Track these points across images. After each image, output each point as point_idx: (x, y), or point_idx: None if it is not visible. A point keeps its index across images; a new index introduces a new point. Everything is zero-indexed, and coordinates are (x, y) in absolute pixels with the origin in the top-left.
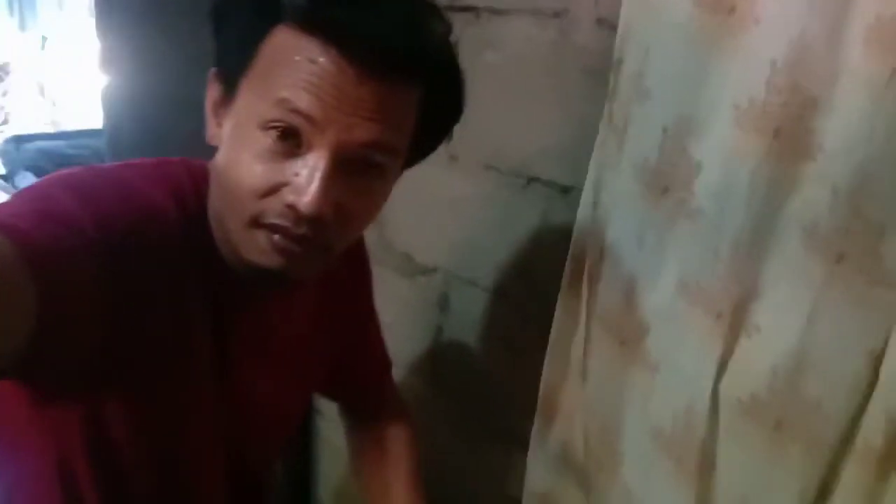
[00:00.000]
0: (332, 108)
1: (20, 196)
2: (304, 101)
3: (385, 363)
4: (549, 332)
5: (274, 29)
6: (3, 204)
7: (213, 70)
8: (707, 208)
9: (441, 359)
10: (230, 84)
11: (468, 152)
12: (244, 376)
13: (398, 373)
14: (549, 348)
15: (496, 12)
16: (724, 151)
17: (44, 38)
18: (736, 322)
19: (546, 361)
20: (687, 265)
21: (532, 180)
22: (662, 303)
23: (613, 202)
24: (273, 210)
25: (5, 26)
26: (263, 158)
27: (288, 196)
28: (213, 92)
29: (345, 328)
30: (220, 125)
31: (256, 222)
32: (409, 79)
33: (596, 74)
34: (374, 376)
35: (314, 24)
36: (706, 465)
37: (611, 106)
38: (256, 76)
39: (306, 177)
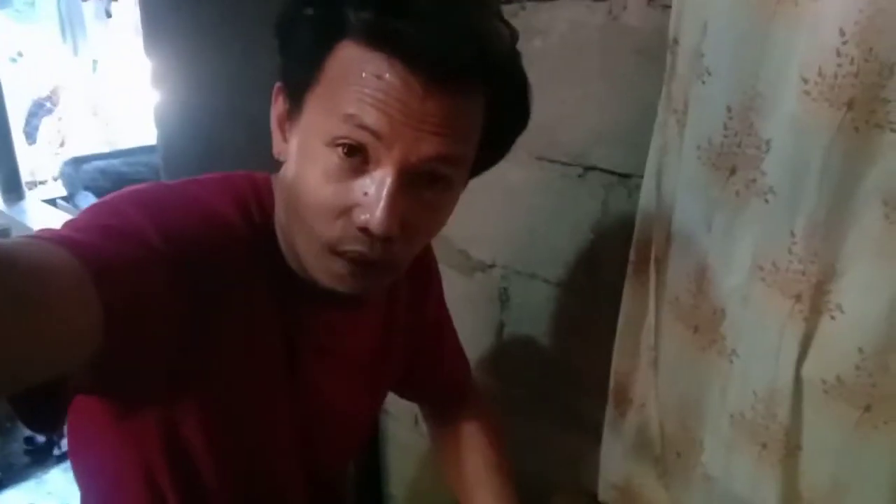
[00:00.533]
0: (399, 123)
1: (88, 212)
2: (370, 117)
3: (463, 364)
4: (615, 322)
5: (339, 44)
6: (70, 220)
7: (278, 85)
8: (779, 187)
9: (506, 354)
10: (296, 99)
11: (522, 144)
12: (315, 381)
13: None
14: (617, 337)
15: (543, 0)
16: (794, 127)
17: (95, 62)
18: (816, 303)
19: (615, 350)
20: (761, 247)
21: (589, 169)
22: (737, 287)
23: (677, 186)
24: (347, 236)
25: (59, 52)
26: (332, 177)
27: (359, 217)
28: (278, 107)
29: (418, 333)
30: (286, 140)
31: (332, 250)
32: (474, 89)
33: (649, 55)
34: (454, 378)
35: (379, 38)
36: (791, 450)
37: (669, 87)
38: (322, 92)
39: (375, 195)
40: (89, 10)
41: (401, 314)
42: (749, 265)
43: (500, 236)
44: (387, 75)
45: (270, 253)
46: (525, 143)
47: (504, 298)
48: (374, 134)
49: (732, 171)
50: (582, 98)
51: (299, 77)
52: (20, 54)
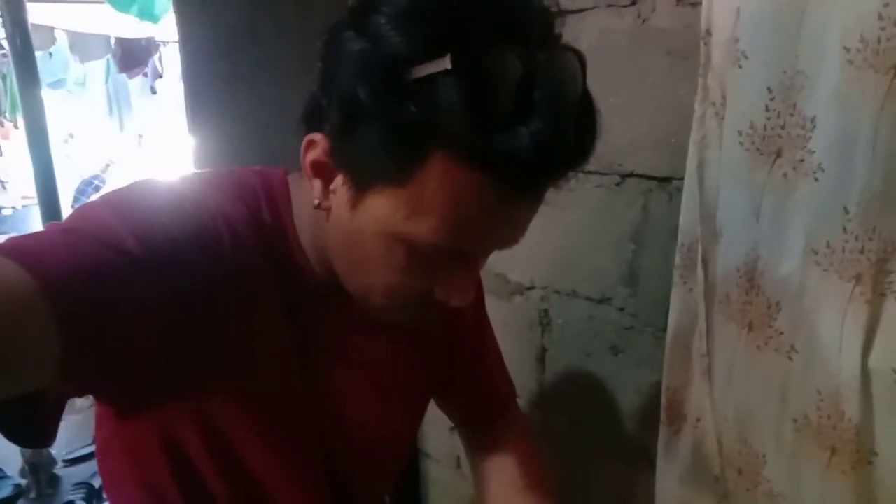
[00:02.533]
0: (491, 234)
1: (70, 217)
2: (465, 243)
3: (505, 377)
4: (664, 334)
5: (432, 156)
6: (49, 226)
7: (314, 138)
8: (828, 163)
9: (548, 380)
10: (359, 182)
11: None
12: (333, 388)
13: None
14: (667, 350)
15: (570, 12)
16: (839, 100)
17: (140, 136)
18: (879, 284)
19: (665, 364)
20: (814, 229)
21: (627, 176)
22: (790, 275)
23: (721, 178)
24: (417, 303)
25: (106, 127)
26: (401, 270)
27: (439, 295)
28: (313, 153)
29: (456, 340)
30: (329, 191)
31: (393, 305)
32: None
33: (681, 54)
34: (496, 391)
35: (488, 160)
36: (865, 453)
37: (704, 80)
38: (405, 196)
39: (461, 284)
40: (135, 87)
41: (439, 324)
42: (802, 250)
43: (537, 256)
44: (492, 198)
45: (282, 253)
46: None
47: (545, 321)
48: (465, 252)
49: (778, 154)
50: (615, 105)
51: (367, 168)
52: (71, 136)
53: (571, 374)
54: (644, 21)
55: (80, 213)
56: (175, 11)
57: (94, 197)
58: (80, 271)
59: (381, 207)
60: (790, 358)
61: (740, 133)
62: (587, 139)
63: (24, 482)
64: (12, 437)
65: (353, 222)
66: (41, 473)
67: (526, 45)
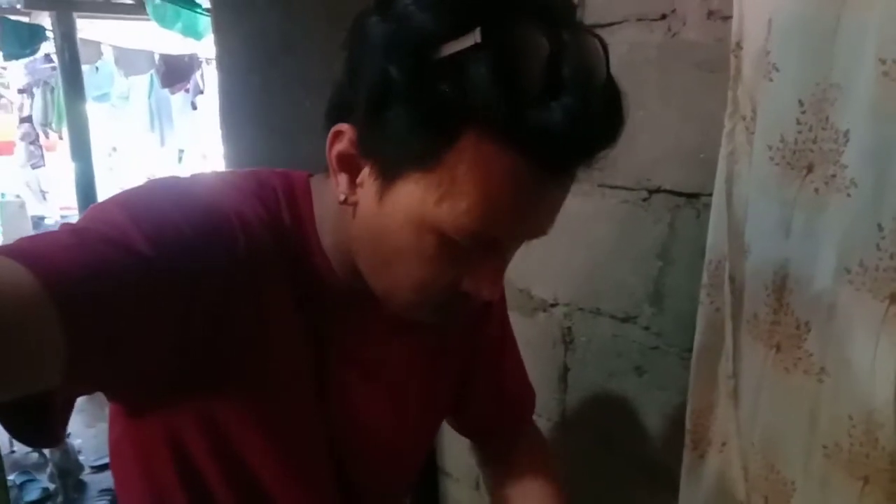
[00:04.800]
0: (522, 219)
1: (83, 217)
2: (499, 229)
3: (526, 394)
4: (689, 355)
5: (463, 136)
6: (61, 226)
7: (340, 128)
8: (861, 178)
9: (571, 398)
10: (387, 171)
11: (581, 172)
12: (348, 395)
13: None
14: (692, 371)
15: (600, 26)
16: (874, 113)
17: (181, 151)
18: None
19: (690, 386)
20: (846, 246)
21: (654, 192)
22: (821, 294)
23: (750, 194)
24: (446, 297)
25: (148, 142)
26: (431, 261)
27: (468, 286)
28: (339, 145)
29: (476, 353)
30: (355, 185)
31: (424, 303)
32: None
33: (711, 67)
34: (514, 411)
35: (521, 136)
36: None
37: (734, 93)
38: (436, 181)
39: (490, 275)
40: (177, 103)
41: (455, 332)
42: (834, 268)
43: (562, 272)
44: (524, 178)
45: (300, 255)
46: (584, 170)
47: (568, 339)
48: (495, 240)
49: (809, 169)
50: (643, 119)
51: (396, 153)
52: (114, 149)
53: (594, 395)
54: (674, 35)
55: (93, 212)
56: (213, 25)
57: None
58: (85, 271)
59: (410, 195)
60: (820, 381)
61: (770, 147)
62: (616, 120)
63: (52, 486)
64: (20, 437)
65: (380, 215)
66: (69, 479)
67: (550, 24)
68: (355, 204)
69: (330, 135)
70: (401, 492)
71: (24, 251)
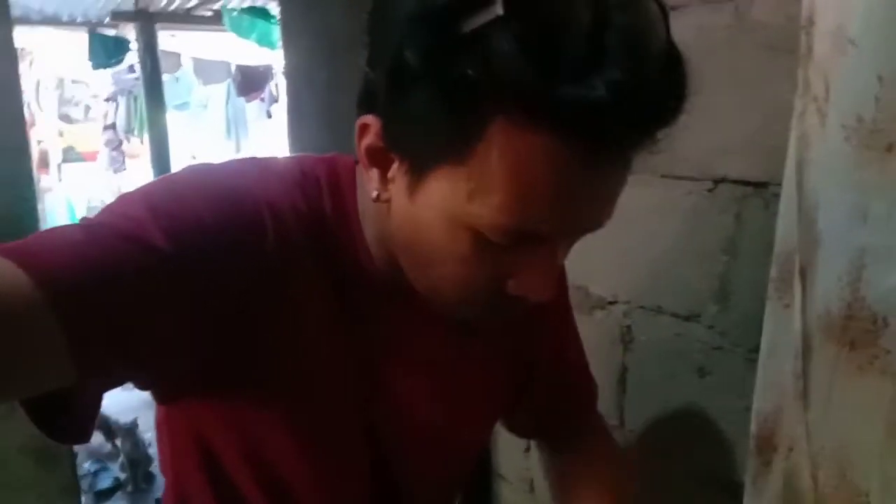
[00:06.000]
0: (568, 211)
1: (102, 211)
2: (544, 225)
3: (589, 386)
4: (756, 356)
5: (493, 123)
6: (82, 220)
7: (366, 121)
8: None
9: (629, 403)
10: (416, 165)
11: (641, 161)
12: (395, 393)
13: None
14: (758, 372)
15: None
16: None
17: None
18: None
19: (757, 388)
20: None
21: (719, 181)
22: None
23: (823, 178)
24: (492, 298)
25: (224, 149)
26: (468, 261)
27: (514, 289)
28: (367, 139)
29: (537, 346)
30: (387, 180)
31: (465, 300)
32: None
33: (781, 49)
34: (577, 404)
35: (557, 117)
36: None
37: (805, 72)
38: (467, 174)
39: (538, 276)
40: (252, 111)
41: (516, 323)
42: None
43: (621, 268)
44: (565, 164)
45: (341, 246)
46: (645, 160)
47: (627, 339)
48: (539, 236)
49: (889, 149)
50: (708, 105)
51: (421, 145)
52: (194, 157)
53: (654, 397)
54: (742, 16)
55: (114, 204)
56: (280, 25)
57: None
58: (86, 268)
59: (441, 190)
60: None
61: (845, 128)
62: (675, 93)
63: (122, 476)
64: (48, 432)
65: (413, 212)
66: (138, 469)
67: None
68: (388, 201)
69: (357, 128)
70: (449, 495)
71: (23, 250)
